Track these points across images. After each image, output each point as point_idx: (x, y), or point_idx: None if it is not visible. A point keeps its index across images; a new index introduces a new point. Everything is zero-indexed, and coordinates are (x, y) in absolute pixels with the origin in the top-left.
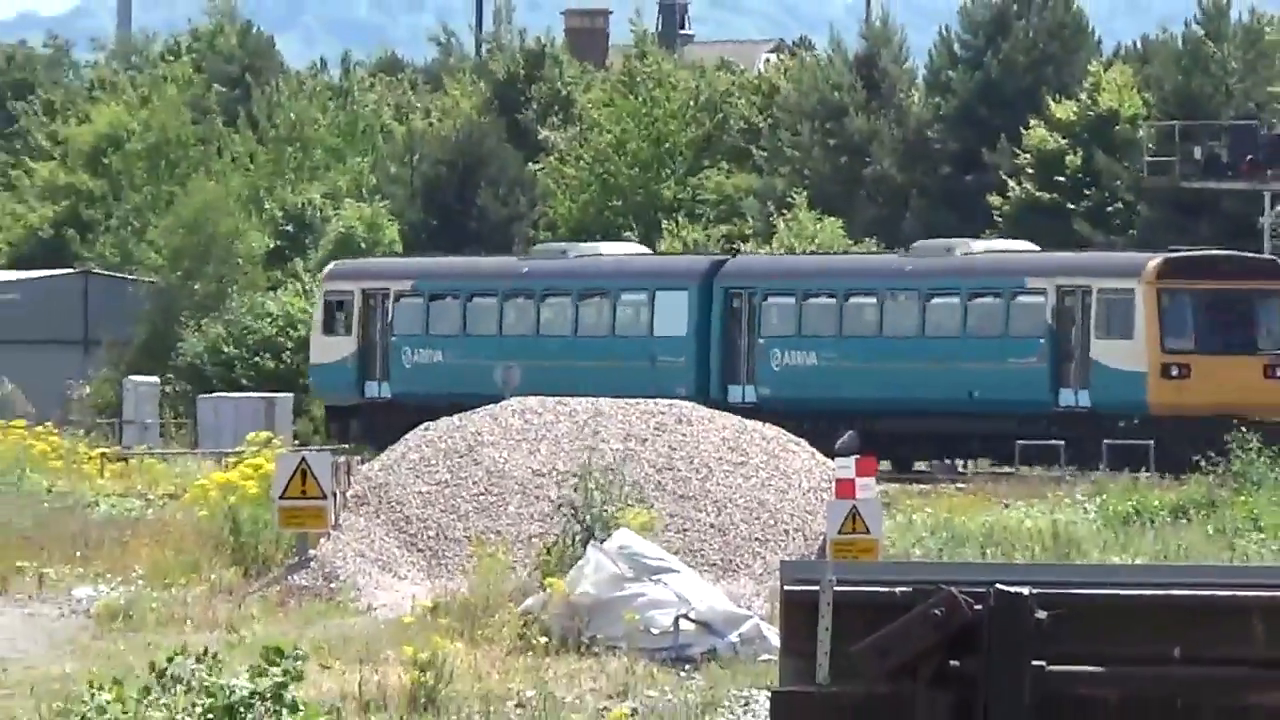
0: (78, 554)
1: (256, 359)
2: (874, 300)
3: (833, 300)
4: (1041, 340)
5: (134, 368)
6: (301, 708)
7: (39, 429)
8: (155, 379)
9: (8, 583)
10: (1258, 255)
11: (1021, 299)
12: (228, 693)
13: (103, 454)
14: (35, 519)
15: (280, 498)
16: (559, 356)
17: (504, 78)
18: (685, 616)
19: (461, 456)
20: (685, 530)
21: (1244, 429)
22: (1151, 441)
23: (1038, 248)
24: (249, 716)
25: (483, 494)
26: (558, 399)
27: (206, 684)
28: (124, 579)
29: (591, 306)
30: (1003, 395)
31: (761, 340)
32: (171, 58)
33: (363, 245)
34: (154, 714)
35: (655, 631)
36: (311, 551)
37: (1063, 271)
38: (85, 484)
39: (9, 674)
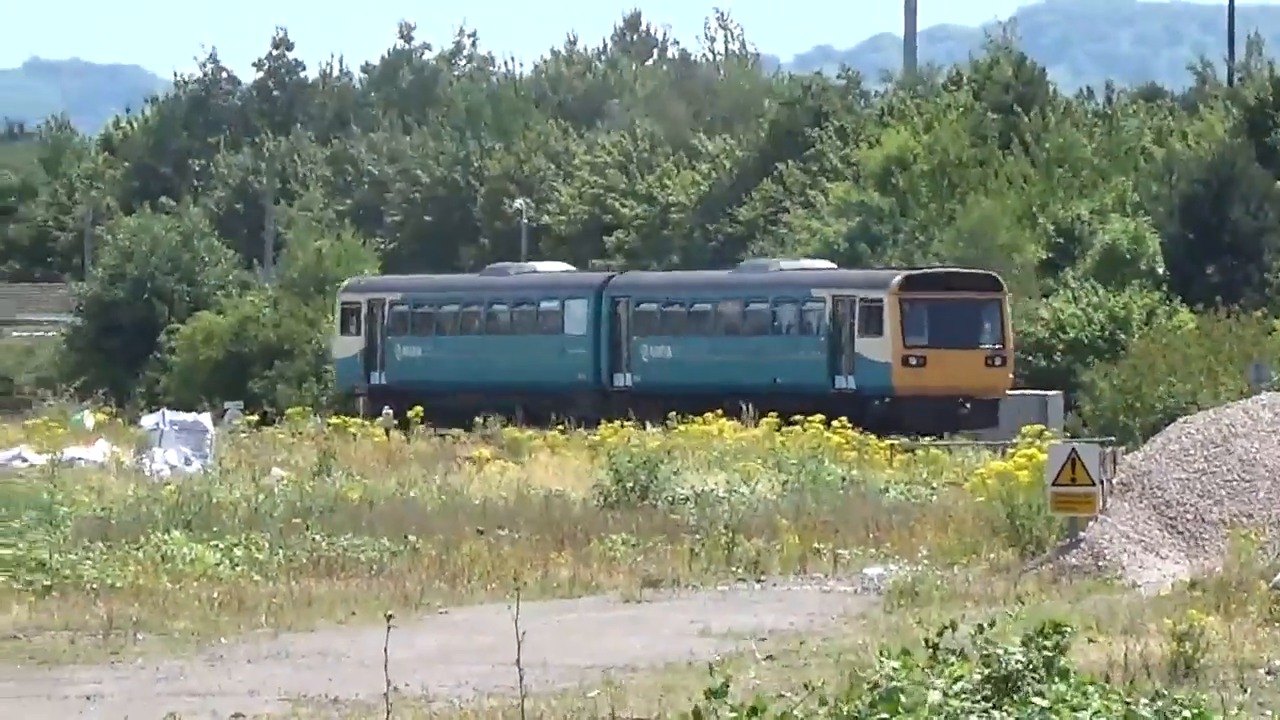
0: (869, 536)
1: (1030, 359)
2: (710, 307)
3: (682, 307)
4: (822, 338)
5: None
6: (1072, 676)
7: (835, 423)
8: None
9: (806, 563)
10: (981, 272)
11: (809, 306)
12: (1003, 663)
13: (891, 445)
14: (831, 505)
15: (1053, 484)
16: (500, 350)
17: (1254, 104)
18: None
19: (1216, 446)
20: None
21: (968, 404)
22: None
23: (835, 266)
24: (1022, 685)
25: (1235, 480)
26: None
27: (985, 654)
28: (910, 559)
29: (522, 312)
30: (796, 380)
31: (635, 338)
32: (953, 87)
33: (1128, 257)
34: (938, 681)
35: None
36: (1081, 533)
37: (836, 285)
38: (876, 473)
39: (807, 645)
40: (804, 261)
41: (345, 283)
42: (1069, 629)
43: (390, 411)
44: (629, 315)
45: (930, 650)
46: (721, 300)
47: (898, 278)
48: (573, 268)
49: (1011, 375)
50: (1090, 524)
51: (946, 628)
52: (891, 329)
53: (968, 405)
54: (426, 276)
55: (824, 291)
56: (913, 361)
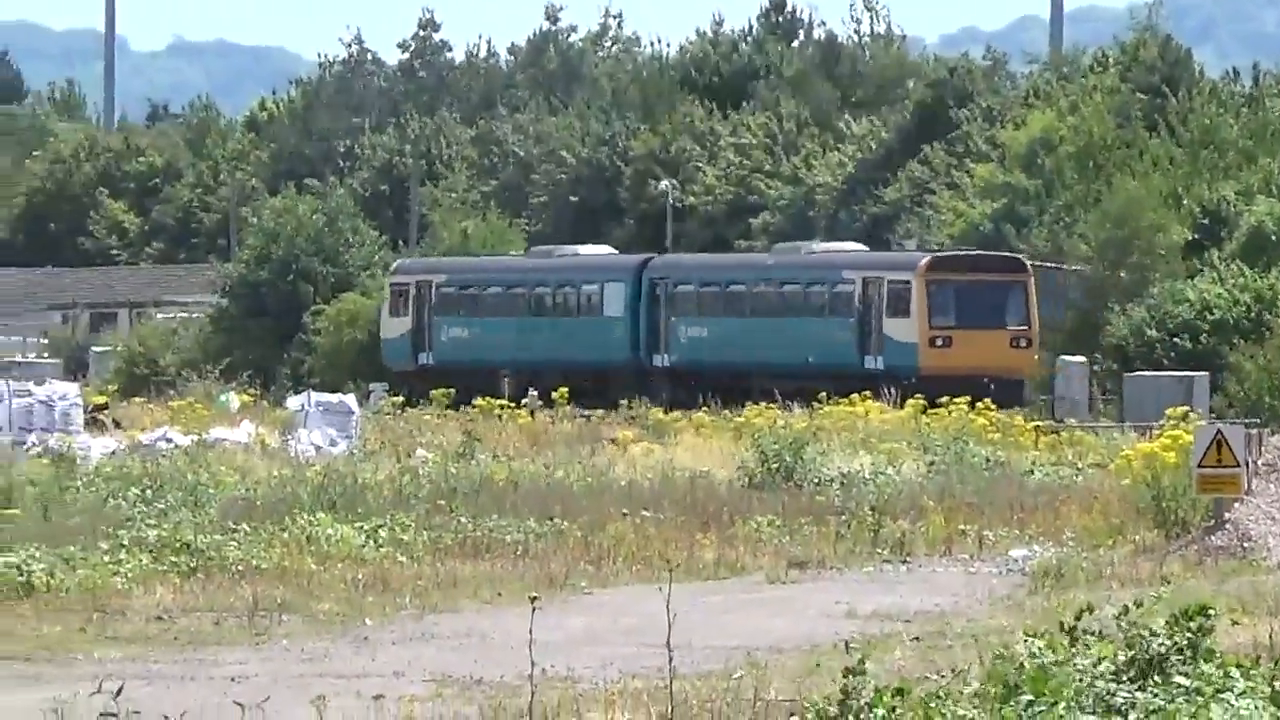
0: (1014, 518)
1: (1176, 340)
2: (745, 288)
3: (719, 288)
4: (852, 319)
5: (1064, 349)
6: (1217, 657)
7: (979, 405)
8: (1083, 359)
9: (952, 544)
10: (1007, 254)
11: (840, 288)
12: (1147, 644)
13: (1037, 427)
14: (975, 487)
15: (1199, 466)
16: (542, 331)
17: None
18: None
19: None
20: None
21: (993, 385)
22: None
23: (866, 248)
24: (1167, 667)
25: None
26: None
27: (1129, 636)
28: (1055, 540)
29: (564, 293)
30: (828, 360)
31: (673, 318)
32: (1099, 69)
33: (1274, 238)
34: (1081, 662)
35: None
36: (1226, 515)
37: (866, 267)
38: (1021, 454)
39: (952, 626)
40: (835, 244)
41: (394, 264)
42: (1214, 611)
43: (535, 393)
44: (667, 297)
45: (1068, 632)
46: (756, 282)
47: (925, 259)
48: (615, 250)
49: (1037, 356)
50: (1235, 505)
51: (1085, 610)
52: (918, 310)
53: (992, 385)
54: (472, 259)
55: (854, 273)
56: (939, 342)
